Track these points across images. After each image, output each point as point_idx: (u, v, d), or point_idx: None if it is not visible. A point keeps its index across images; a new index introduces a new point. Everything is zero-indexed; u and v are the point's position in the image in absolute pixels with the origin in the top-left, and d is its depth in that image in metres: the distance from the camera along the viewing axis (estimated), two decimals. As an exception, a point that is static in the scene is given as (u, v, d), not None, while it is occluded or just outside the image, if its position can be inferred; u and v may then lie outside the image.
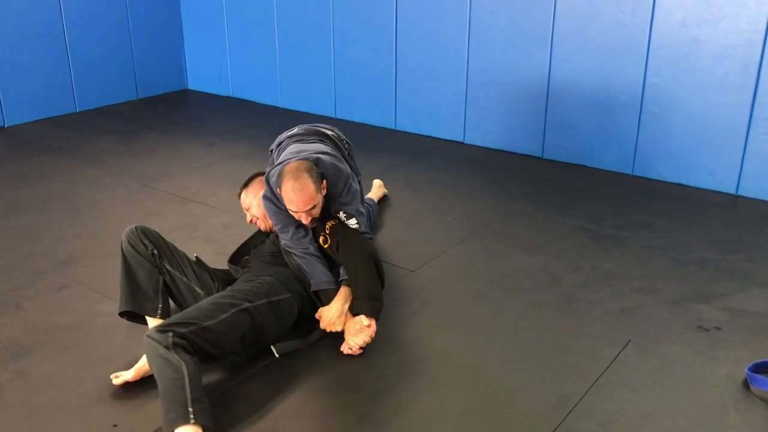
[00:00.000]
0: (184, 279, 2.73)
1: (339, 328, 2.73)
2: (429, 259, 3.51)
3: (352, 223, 2.86)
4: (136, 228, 2.67)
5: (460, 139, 5.41)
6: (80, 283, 3.26)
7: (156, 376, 2.25)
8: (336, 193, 2.85)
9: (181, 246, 3.58)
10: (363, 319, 2.70)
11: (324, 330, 2.77)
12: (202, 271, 2.81)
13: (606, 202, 4.24)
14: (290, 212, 2.76)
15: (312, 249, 2.83)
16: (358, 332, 2.69)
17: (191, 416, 2.13)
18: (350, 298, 2.77)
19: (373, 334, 2.72)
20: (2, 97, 5.72)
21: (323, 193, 2.77)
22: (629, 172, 4.70)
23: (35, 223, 3.94)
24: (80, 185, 4.52)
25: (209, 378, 2.57)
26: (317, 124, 3.28)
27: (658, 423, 2.34)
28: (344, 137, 3.31)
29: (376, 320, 2.75)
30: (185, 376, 2.18)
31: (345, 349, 2.70)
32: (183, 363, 2.21)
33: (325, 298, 2.79)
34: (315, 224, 2.82)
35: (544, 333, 2.89)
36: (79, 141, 5.45)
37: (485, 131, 5.28)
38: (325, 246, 2.83)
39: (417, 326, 2.94)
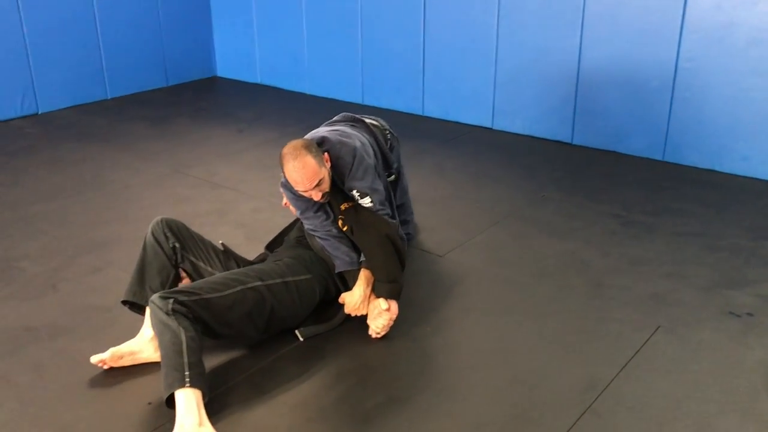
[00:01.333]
0: (209, 269, 2.77)
1: (364, 312, 2.75)
2: (457, 245, 3.52)
3: (366, 202, 2.81)
4: (161, 220, 2.71)
5: (489, 125, 5.39)
6: (114, 266, 3.33)
7: (157, 341, 2.33)
8: (344, 167, 2.80)
9: (212, 230, 3.64)
10: (382, 303, 2.71)
11: (343, 316, 2.80)
12: (228, 259, 2.84)
13: (636, 188, 4.20)
14: (300, 193, 2.75)
15: (335, 231, 2.83)
16: (377, 316, 2.71)
17: (187, 380, 2.20)
18: (372, 280, 2.78)
19: (394, 317, 2.73)
20: (36, 85, 5.83)
21: (328, 167, 2.74)
22: (660, 158, 4.65)
23: (70, 208, 4.02)
24: (113, 170, 4.60)
25: (239, 359, 2.62)
26: (363, 115, 3.28)
27: (687, 408, 2.33)
28: (388, 127, 3.30)
29: (396, 302, 2.76)
30: (183, 342, 2.25)
31: (372, 333, 2.73)
32: (182, 329, 2.27)
33: (350, 279, 2.81)
34: (328, 199, 2.80)
35: (573, 318, 2.88)
36: (111, 127, 5.54)
37: (514, 117, 5.25)
38: (344, 229, 2.84)
39: (445, 310, 2.95)
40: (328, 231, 2.83)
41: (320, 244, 2.84)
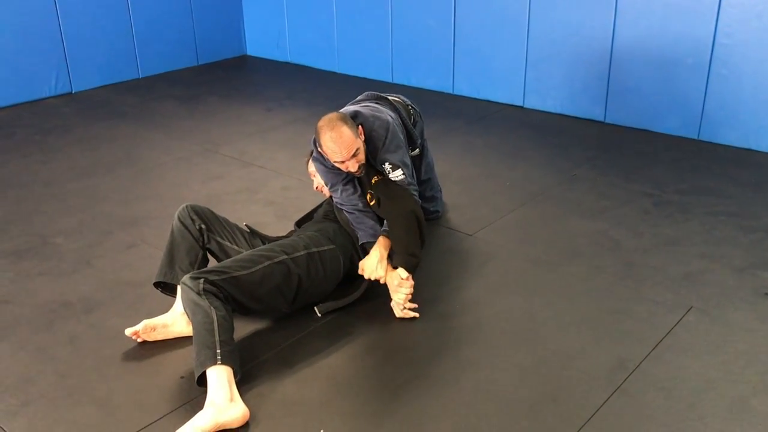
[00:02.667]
0: (235, 247, 2.82)
1: (381, 273, 2.75)
2: (487, 224, 3.50)
3: (398, 174, 2.85)
4: (186, 206, 2.79)
5: (520, 104, 5.33)
6: (146, 243, 3.37)
7: (190, 321, 2.39)
8: (377, 140, 2.85)
9: (242, 208, 3.68)
10: (401, 272, 2.72)
11: (365, 286, 2.81)
12: (254, 238, 2.90)
13: (670, 168, 4.13)
14: (336, 164, 2.78)
15: (361, 205, 2.87)
16: (398, 288, 2.72)
17: (218, 357, 2.24)
18: (389, 247, 2.79)
19: (411, 288, 2.73)
20: (70, 64, 5.90)
21: (362, 139, 2.80)
22: (695, 137, 4.56)
23: (103, 185, 4.08)
24: (145, 149, 4.65)
25: (269, 335, 2.65)
26: (386, 93, 3.31)
27: (719, 389, 2.30)
28: (410, 103, 3.32)
29: (412, 275, 2.75)
30: (214, 321, 2.30)
31: (397, 312, 2.74)
32: (213, 308, 2.32)
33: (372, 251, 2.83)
34: (363, 173, 2.84)
35: (604, 297, 2.86)
36: (143, 106, 5.59)
37: (546, 95, 5.18)
38: (372, 203, 2.87)
39: (474, 289, 2.95)
40: (354, 205, 2.87)
41: (347, 218, 2.88)
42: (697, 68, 4.42)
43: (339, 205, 2.93)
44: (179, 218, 2.75)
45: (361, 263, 2.81)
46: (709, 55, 4.35)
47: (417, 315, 2.73)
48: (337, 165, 2.80)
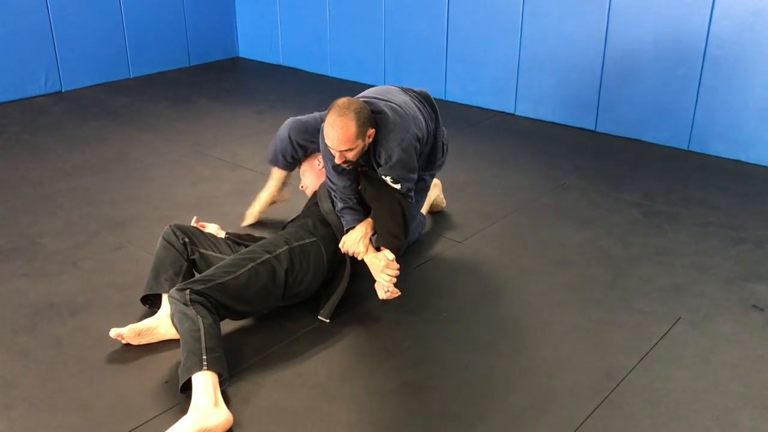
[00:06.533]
0: (219, 254, 2.82)
1: (362, 249, 2.76)
2: (476, 231, 3.49)
3: (396, 186, 2.77)
4: (170, 225, 2.80)
5: (511, 111, 5.34)
6: (134, 245, 3.34)
7: (178, 331, 2.39)
8: (383, 151, 2.72)
9: (231, 211, 3.67)
10: (387, 254, 2.74)
11: (348, 271, 2.81)
12: (237, 246, 2.90)
13: (660, 178, 4.14)
14: (326, 145, 2.70)
15: (354, 198, 2.85)
16: (384, 269, 2.74)
17: (204, 363, 2.25)
18: (373, 227, 2.80)
19: (397, 269, 2.74)
20: (60, 63, 5.86)
21: (367, 142, 2.69)
22: (685, 148, 4.57)
23: (91, 186, 4.04)
24: (134, 149, 4.61)
25: (255, 341, 2.63)
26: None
27: (706, 401, 2.30)
28: (445, 137, 3.23)
29: (396, 257, 2.76)
30: (201, 328, 2.32)
31: (381, 294, 2.76)
32: (199, 316, 2.34)
33: None
34: (350, 167, 2.78)
35: (592, 307, 2.85)
36: (133, 106, 5.56)
37: (537, 103, 5.19)
38: (359, 187, 2.86)
39: (463, 297, 2.94)
40: (348, 196, 2.84)
41: (329, 208, 2.87)
42: (688, 79, 4.43)
43: (330, 188, 2.87)
44: (164, 237, 2.77)
45: (343, 237, 2.81)
46: (701, 66, 4.37)
47: (399, 292, 2.76)
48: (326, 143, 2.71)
